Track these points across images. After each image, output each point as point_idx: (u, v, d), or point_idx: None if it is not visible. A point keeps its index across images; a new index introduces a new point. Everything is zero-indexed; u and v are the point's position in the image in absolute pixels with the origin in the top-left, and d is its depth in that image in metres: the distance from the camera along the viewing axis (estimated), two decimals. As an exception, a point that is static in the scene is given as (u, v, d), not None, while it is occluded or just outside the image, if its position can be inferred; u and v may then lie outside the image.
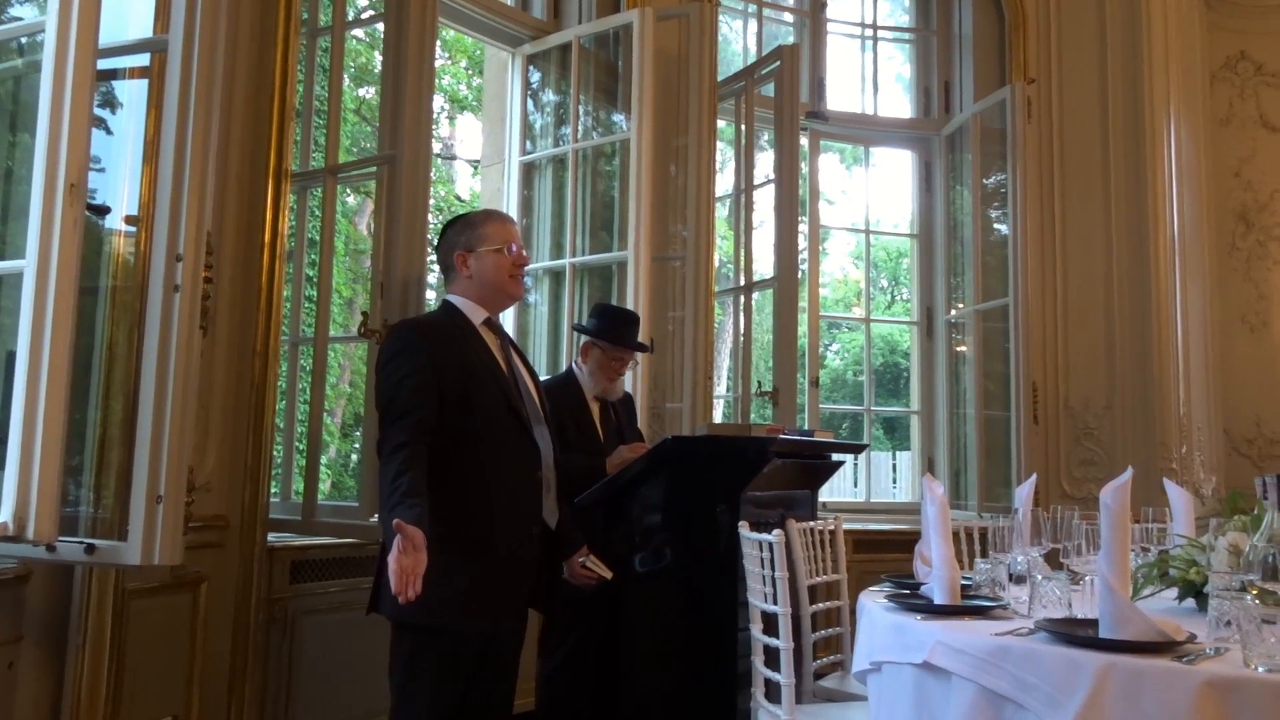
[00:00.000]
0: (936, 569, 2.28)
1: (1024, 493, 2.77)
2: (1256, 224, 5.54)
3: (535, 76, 4.78)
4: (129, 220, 2.64)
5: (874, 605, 2.34)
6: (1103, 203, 5.09)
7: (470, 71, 13.82)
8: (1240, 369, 5.44)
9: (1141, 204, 4.97)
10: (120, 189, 2.69)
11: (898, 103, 6.23)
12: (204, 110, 2.40)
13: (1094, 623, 1.83)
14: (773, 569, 2.45)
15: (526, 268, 2.75)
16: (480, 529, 2.36)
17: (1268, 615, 1.58)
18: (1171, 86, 5.08)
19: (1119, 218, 5.04)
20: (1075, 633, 1.80)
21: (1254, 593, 1.67)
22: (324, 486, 10.60)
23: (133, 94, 2.72)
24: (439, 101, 13.66)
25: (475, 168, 13.32)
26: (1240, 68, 5.63)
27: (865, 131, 5.73)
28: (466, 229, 2.58)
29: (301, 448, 3.71)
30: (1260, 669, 1.56)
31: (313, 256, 3.90)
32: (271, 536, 3.30)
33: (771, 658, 2.52)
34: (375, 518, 3.29)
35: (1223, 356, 5.38)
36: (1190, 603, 2.24)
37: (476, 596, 2.32)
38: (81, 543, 2.35)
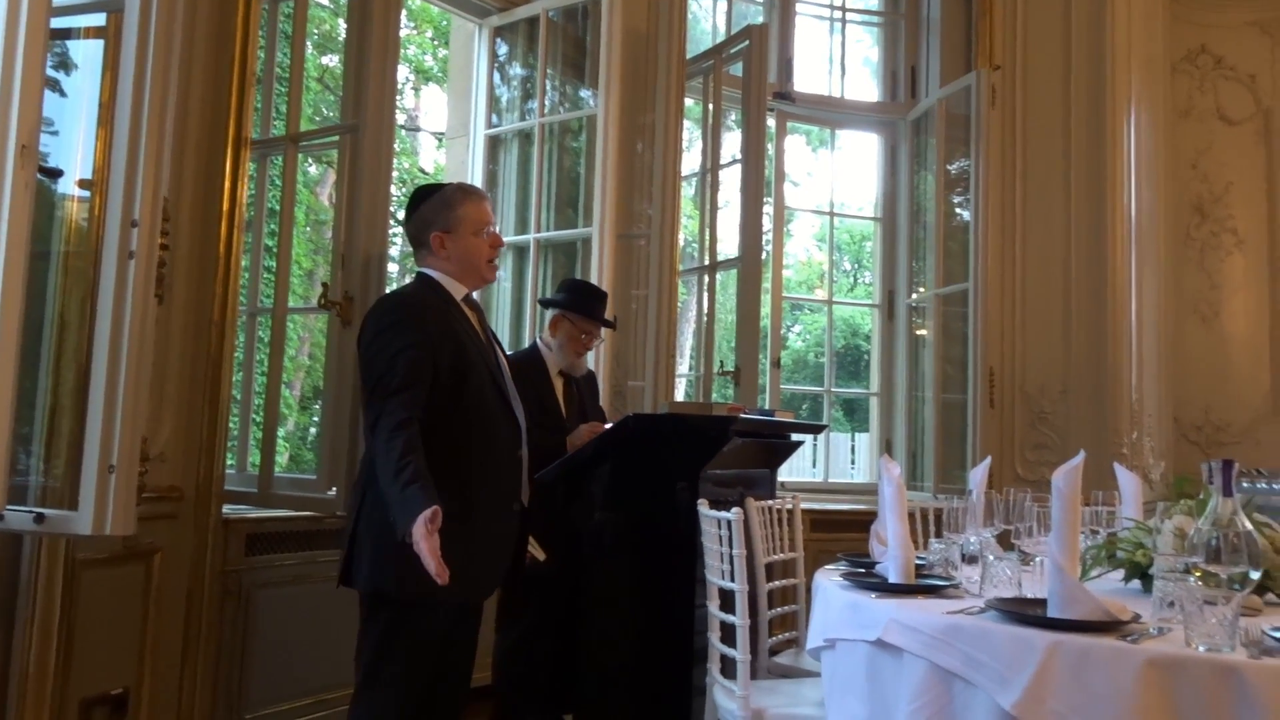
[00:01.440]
0: (892, 549, 2.32)
1: (979, 475, 2.81)
2: (1211, 215, 5.63)
3: (502, 49, 4.73)
4: (82, 184, 2.58)
5: (829, 583, 2.37)
6: (1063, 191, 5.16)
7: (436, 42, 13.65)
8: (1191, 358, 5.54)
9: (1100, 193, 5.04)
10: (74, 152, 2.62)
11: (865, 86, 6.24)
12: (161, 73, 2.35)
13: (1043, 602, 1.87)
14: (731, 546, 2.47)
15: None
16: (465, 504, 2.35)
17: (1209, 597, 1.63)
18: (1134, 77, 5.14)
19: (1078, 206, 5.10)
20: (1025, 612, 1.84)
21: (1197, 575, 1.71)
22: (281, 459, 10.50)
23: (88, 55, 2.65)
24: (404, 72, 13.47)
25: (440, 140, 13.17)
26: (1200, 60, 5.70)
27: (832, 114, 5.74)
28: (443, 208, 2.54)
29: (258, 419, 3.67)
30: (1201, 648, 1.61)
31: (272, 226, 3.86)
32: (227, 508, 3.26)
33: (728, 634, 2.55)
34: (333, 490, 3.28)
35: (1174, 345, 5.48)
36: (1136, 584, 2.29)
37: (457, 571, 2.31)
38: (31, 512, 2.31)
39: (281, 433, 10.55)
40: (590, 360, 3.82)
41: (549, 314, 3.50)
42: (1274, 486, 4.74)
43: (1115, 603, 1.82)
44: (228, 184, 3.22)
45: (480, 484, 2.40)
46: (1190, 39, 5.69)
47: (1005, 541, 2.38)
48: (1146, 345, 5.10)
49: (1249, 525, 1.74)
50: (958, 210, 5.31)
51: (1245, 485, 4.80)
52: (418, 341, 2.33)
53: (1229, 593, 1.64)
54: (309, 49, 11.20)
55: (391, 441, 2.21)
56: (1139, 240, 5.08)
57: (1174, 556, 1.94)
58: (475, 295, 2.64)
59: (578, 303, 3.42)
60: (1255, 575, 1.71)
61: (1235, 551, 1.69)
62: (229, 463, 3.36)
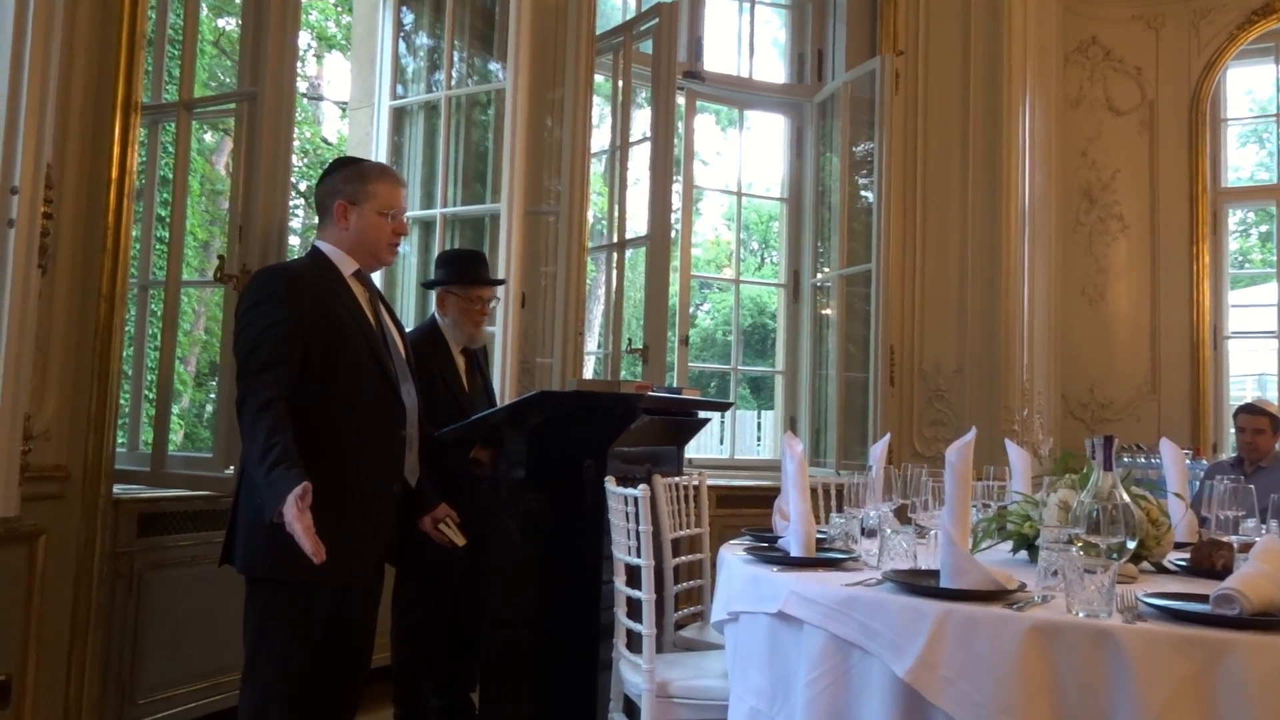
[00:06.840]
0: (793, 523, 2.37)
1: (878, 451, 2.90)
2: (1099, 201, 5.89)
3: (408, 18, 4.63)
4: (-44, 147, 2.44)
5: (733, 558, 2.41)
6: (961, 176, 5.31)
7: (340, 9, 13.27)
8: (1078, 338, 5.80)
9: (996, 178, 5.21)
10: (-54, 113, 2.48)
11: (773, 67, 6.29)
12: (43, 30, 2.23)
13: (936, 573, 1.94)
14: (637, 523, 2.50)
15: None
16: (340, 484, 2.30)
17: (1089, 565, 1.71)
18: (1029, 66, 5.31)
19: (975, 191, 5.26)
20: (918, 583, 1.91)
21: (1078, 545, 1.80)
22: (176, 437, 10.15)
23: (-40, 9, 2.49)
24: (305, 38, 13.06)
25: (343, 110, 12.83)
26: (1091, 52, 5.93)
27: (740, 94, 5.78)
28: (356, 179, 2.49)
29: (151, 396, 3.54)
30: (1080, 614, 1.69)
31: (165, 195, 3.70)
32: (118, 488, 3.15)
33: (634, 609, 2.58)
34: (230, 469, 3.19)
35: (1063, 326, 5.73)
36: (1024, 554, 2.40)
37: (332, 551, 2.27)
38: (-99, 493, 2.19)
39: (176, 410, 10.19)
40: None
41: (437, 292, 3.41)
42: (1151, 461, 5.00)
43: (1003, 573, 1.90)
44: (116, 150, 3.08)
45: (354, 464, 2.36)
46: (1082, 31, 5.92)
47: (904, 515, 2.46)
48: (1037, 326, 5.31)
49: (1127, 498, 1.84)
50: (862, 193, 5.42)
51: (1125, 460, 5.06)
52: (288, 317, 2.28)
53: (1107, 562, 1.72)
54: (204, 10, 10.76)
55: (257, 423, 2.17)
56: (1031, 224, 5.27)
57: (1058, 528, 2.03)
58: (379, 272, 2.58)
59: (456, 273, 3.34)
60: (1132, 545, 1.81)
61: (1114, 523, 1.79)
62: (120, 441, 3.23)
